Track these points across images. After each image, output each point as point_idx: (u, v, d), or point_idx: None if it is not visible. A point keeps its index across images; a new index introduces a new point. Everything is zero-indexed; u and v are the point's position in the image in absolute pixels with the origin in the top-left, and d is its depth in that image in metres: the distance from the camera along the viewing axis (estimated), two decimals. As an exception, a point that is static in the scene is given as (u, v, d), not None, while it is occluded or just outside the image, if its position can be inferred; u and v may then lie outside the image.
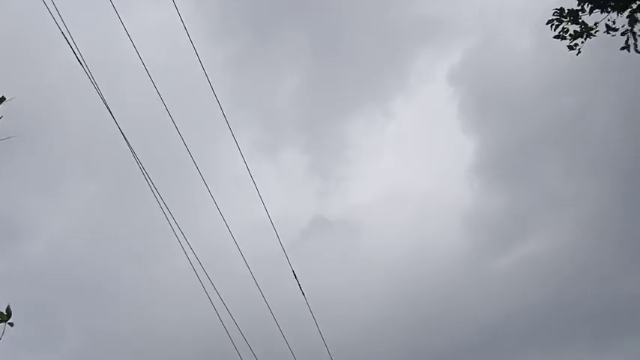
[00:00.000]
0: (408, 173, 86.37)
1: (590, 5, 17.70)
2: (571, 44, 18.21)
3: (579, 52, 18.00)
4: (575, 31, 18.08)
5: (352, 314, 70.01)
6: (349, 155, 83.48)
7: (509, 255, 74.99)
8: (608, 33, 17.82)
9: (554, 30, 18.17)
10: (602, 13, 17.92)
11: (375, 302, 71.11)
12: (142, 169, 13.01)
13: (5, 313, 6.81)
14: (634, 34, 17.77)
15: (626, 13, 17.60)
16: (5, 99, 6.89)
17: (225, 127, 16.51)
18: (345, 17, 77.64)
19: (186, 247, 14.15)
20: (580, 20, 18.04)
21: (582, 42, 18.05)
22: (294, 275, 17.24)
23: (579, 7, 17.91)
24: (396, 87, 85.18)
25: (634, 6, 17.54)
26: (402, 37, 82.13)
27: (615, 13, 17.72)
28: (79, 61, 12.74)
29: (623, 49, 17.88)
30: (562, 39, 18.18)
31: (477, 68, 74.16)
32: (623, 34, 17.89)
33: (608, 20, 17.81)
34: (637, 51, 17.73)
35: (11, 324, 6.83)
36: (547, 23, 18.07)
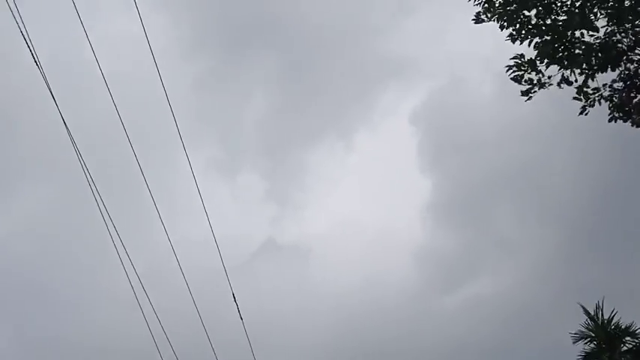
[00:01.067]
0: (363, 206, 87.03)
1: (546, 61, 18.14)
2: (525, 90, 18.58)
3: (530, 99, 18.33)
4: (529, 78, 18.49)
5: (296, 344, 69.85)
6: (307, 183, 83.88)
7: (456, 294, 75.85)
8: (560, 87, 18.26)
9: (511, 74, 18.53)
10: (559, 69, 18.38)
11: (321, 333, 71.13)
12: (88, 176, 12.94)
13: None
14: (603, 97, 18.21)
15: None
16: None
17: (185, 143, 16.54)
18: (316, 47, 78.30)
19: (126, 260, 14.09)
20: (538, 69, 18.44)
21: (535, 91, 18.47)
22: (234, 298, 17.16)
23: (537, 58, 18.33)
24: (359, 120, 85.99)
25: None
26: (370, 72, 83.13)
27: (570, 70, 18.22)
28: (36, 63, 12.65)
29: (610, 120, 18.34)
30: (517, 82, 18.53)
31: (439, 110, 75.42)
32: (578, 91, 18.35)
33: (563, 75, 18.27)
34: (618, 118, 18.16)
35: None
36: (506, 69, 18.43)
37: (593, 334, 38.04)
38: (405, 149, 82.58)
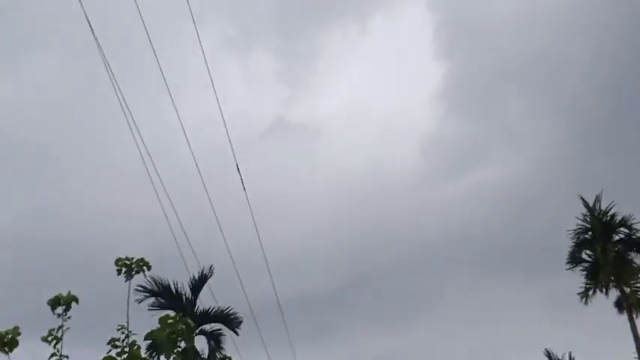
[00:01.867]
0: (374, 91, 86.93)
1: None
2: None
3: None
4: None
5: (298, 219, 71.47)
6: (320, 66, 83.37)
7: (460, 181, 76.78)
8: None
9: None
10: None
11: (324, 211, 72.64)
12: (100, 49, 13.21)
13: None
14: None
15: None
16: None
17: (197, 19, 16.61)
18: None
19: (134, 132, 14.49)
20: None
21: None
22: (237, 168, 17.52)
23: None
24: (377, 4, 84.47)
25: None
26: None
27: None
28: None
29: None
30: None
31: (458, -3, 74.22)
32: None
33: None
34: None
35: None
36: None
37: (589, 225, 39.05)
38: (420, 36, 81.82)
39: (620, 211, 38.74)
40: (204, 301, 35.39)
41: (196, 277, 34.70)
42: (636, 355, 35.06)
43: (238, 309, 34.79)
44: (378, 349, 73.38)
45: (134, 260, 11.79)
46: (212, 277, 34.55)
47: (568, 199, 40.53)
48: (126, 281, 12.22)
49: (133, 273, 11.92)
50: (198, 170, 16.88)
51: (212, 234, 21.80)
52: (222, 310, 34.98)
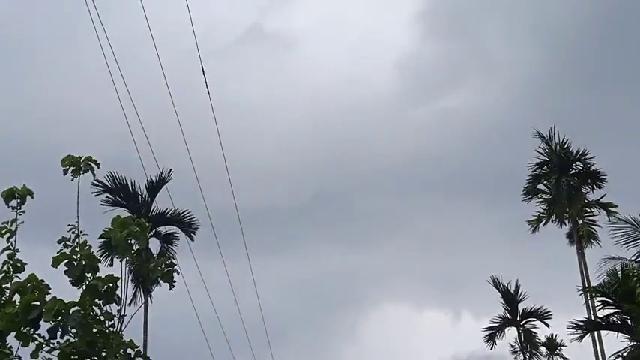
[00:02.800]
0: (353, 6, 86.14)
1: None
2: None
3: None
4: None
5: (266, 132, 71.67)
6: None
7: (431, 105, 77.15)
8: None
9: None
10: None
11: (293, 123, 72.81)
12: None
13: None
14: None
15: None
16: None
17: None
18: None
19: (102, 32, 14.69)
20: None
21: None
22: (202, 71, 17.55)
23: None
24: None
25: None
26: None
27: None
28: None
29: None
30: None
31: None
32: None
33: None
34: None
35: None
36: None
37: (547, 159, 40.06)
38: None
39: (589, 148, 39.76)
40: (162, 208, 35.94)
41: (154, 179, 35.08)
42: (580, 285, 36.41)
43: (198, 219, 35.39)
44: (339, 266, 75.02)
45: (82, 159, 12.17)
46: (170, 182, 34.85)
47: (527, 130, 41.13)
48: (72, 180, 12.66)
49: (81, 172, 12.32)
50: (163, 73, 17.04)
51: (175, 140, 21.98)
52: (179, 213, 35.40)
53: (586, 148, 39.36)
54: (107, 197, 35.26)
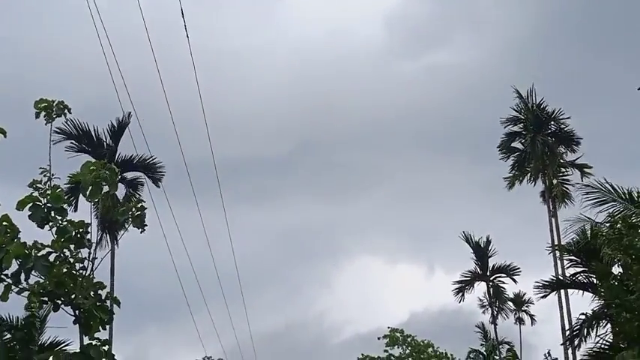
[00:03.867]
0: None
1: None
2: None
3: None
4: None
5: (250, 78, 71.25)
6: None
7: (418, 60, 76.95)
8: None
9: None
10: None
11: (278, 72, 72.38)
12: None
13: None
14: None
15: None
16: None
17: None
18: None
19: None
20: None
21: None
22: (182, 14, 16.99)
23: None
24: None
25: None
26: None
27: None
28: None
29: None
30: None
31: None
32: None
33: None
34: None
35: None
36: None
37: (523, 116, 40.26)
38: None
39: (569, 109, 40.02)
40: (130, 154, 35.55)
41: (115, 123, 34.60)
42: (549, 243, 36.83)
43: (164, 165, 35.15)
44: (317, 218, 75.48)
45: (54, 103, 12.10)
46: (149, 129, 34.32)
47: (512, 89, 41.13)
48: (46, 124, 12.58)
49: (54, 116, 12.26)
50: (142, 15, 16.69)
51: (155, 85, 21.76)
52: (145, 160, 35.05)
53: (562, 108, 39.71)
54: (71, 143, 34.81)
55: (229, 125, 66.90)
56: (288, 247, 76.57)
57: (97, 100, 32.93)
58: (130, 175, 35.89)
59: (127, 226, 16.42)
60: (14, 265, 13.68)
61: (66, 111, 12.66)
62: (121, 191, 35.04)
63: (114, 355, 19.34)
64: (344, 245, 78.87)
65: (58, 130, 32.96)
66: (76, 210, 23.34)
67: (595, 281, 25.33)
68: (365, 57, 76.17)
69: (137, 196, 34.29)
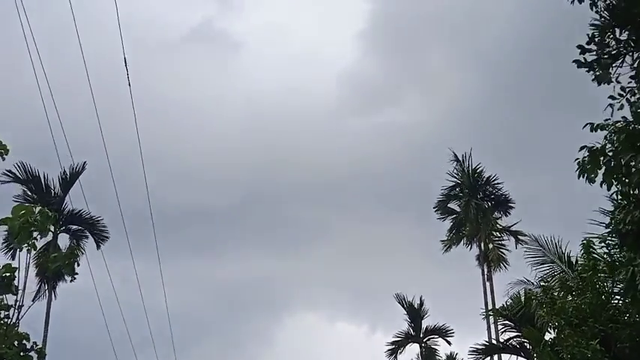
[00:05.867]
0: (300, 16, 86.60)
1: None
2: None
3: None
4: None
5: (201, 128, 71.23)
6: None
7: (369, 118, 77.83)
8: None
9: None
10: None
11: (230, 124, 72.53)
12: None
13: None
14: None
15: None
16: None
17: None
18: None
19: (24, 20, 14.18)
20: None
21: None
22: (125, 62, 16.97)
23: None
24: None
25: None
26: None
27: None
28: None
29: None
30: None
31: None
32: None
33: None
34: None
35: None
36: None
37: (460, 180, 40.95)
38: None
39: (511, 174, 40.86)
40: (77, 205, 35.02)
41: (68, 171, 34.03)
42: (483, 307, 37.10)
43: (117, 220, 34.71)
44: (261, 271, 74.69)
45: (-9, 143, 11.74)
46: (92, 180, 34.02)
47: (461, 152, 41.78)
48: (-21, 164, 12.11)
49: (-11, 155, 11.88)
50: (84, 62, 16.53)
51: (97, 134, 21.40)
52: (92, 218, 34.69)
53: (496, 174, 40.56)
54: (22, 189, 34.21)
55: (178, 173, 66.38)
56: (228, 299, 75.51)
57: (37, 148, 32.24)
58: (75, 227, 35.38)
59: (65, 276, 16.06)
60: None
61: (2, 151, 12.29)
62: (65, 241, 34.48)
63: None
64: (286, 300, 78.18)
65: (8, 172, 32.38)
66: (13, 258, 22.77)
67: (528, 346, 25.54)
68: (318, 114, 76.93)
69: (80, 249, 33.85)
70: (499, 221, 40.94)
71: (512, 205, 40.09)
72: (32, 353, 17.17)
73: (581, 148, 11.54)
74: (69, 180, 34.30)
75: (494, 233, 40.57)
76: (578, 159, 11.57)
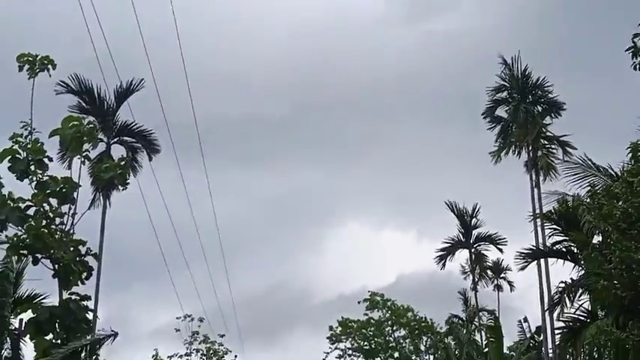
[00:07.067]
0: None
1: None
2: None
3: None
4: None
5: (247, 42, 70.70)
6: None
7: (418, 27, 76.35)
8: None
9: None
10: None
11: (276, 37, 71.82)
12: None
13: None
14: None
15: None
16: None
17: None
18: None
19: None
20: None
21: None
22: None
23: None
24: None
25: None
26: None
27: None
28: None
29: None
30: None
31: None
32: None
33: None
34: None
35: None
36: None
37: (508, 84, 40.11)
38: None
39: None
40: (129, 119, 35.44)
41: (124, 85, 34.28)
42: (531, 213, 36.88)
43: (160, 142, 35.15)
44: (311, 182, 75.36)
45: (38, 57, 12.04)
46: (140, 91, 34.33)
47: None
48: (29, 78, 12.53)
49: (37, 70, 12.22)
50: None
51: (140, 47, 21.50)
52: (143, 130, 35.28)
53: (546, 77, 39.57)
54: (77, 100, 34.75)
55: (225, 81, 66.41)
56: (277, 210, 76.56)
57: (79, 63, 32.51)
58: (128, 139, 36.05)
59: (118, 185, 16.59)
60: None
61: (50, 66, 12.56)
62: (119, 153, 35.12)
63: (94, 310, 19.38)
64: (335, 210, 78.95)
65: (62, 82, 33.04)
66: (69, 167, 23.52)
67: (575, 250, 25.55)
68: (365, 21, 75.65)
69: (136, 160, 34.64)
70: (549, 127, 40.26)
71: (563, 108, 39.25)
72: (88, 258, 17.93)
73: (635, 36, 11.63)
74: (123, 93, 34.73)
75: (543, 141, 39.93)
76: (633, 45, 11.71)
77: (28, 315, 17.89)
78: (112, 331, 17.27)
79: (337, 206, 76.62)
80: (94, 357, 17.66)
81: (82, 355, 17.07)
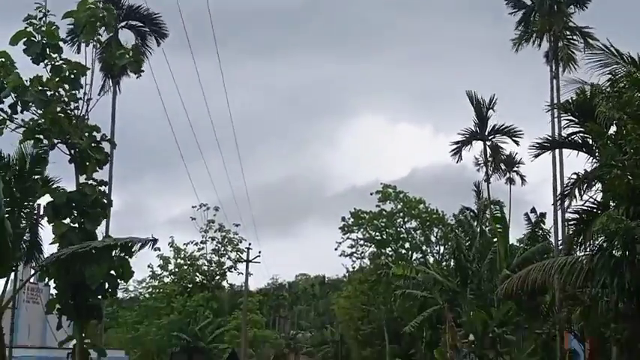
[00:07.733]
0: None
1: None
2: None
3: None
4: None
5: None
6: None
7: None
8: None
9: None
10: None
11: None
12: None
13: None
14: None
15: None
16: None
17: None
18: None
19: None
20: None
21: None
22: None
23: None
24: None
25: None
26: None
27: None
28: None
29: None
30: None
31: None
32: None
33: None
34: None
35: None
36: None
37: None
38: None
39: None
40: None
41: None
42: (548, 103, 36.48)
43: (167, 27, 34.59)
44: (327, 74, 74.82)
45: None
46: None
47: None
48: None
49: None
50: None
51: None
52: (151, 14, 34.79)
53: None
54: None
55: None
56: (292, 102, 76.69)
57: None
58: (135, 22, 35.61)
59: (130, 72, 16.52)
60: (9, 100, 13.66)
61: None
62: (126, 37, 34.75)
63: (108, 196, 19.63)
64: (350, 103, 79.05)
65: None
66: (79, 51, 23.33)
67: (590, 142, 25.30)
68: None
69: (145, 45, 34.21)
70: (572, 17, 39.33)
71: (589, -1, 38.32)
72: (103, 144, 17.99)
73: None
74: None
75: (565, 32, 39.09)
76: None
77: (46, 199, 18.10)
78: (152, 237, 17.42)
79: (353, 99, 76.67)
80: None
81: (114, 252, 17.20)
